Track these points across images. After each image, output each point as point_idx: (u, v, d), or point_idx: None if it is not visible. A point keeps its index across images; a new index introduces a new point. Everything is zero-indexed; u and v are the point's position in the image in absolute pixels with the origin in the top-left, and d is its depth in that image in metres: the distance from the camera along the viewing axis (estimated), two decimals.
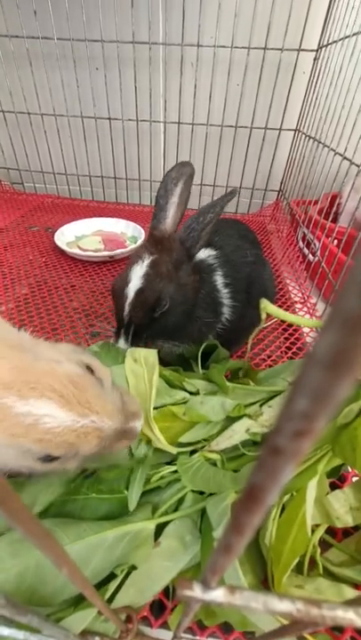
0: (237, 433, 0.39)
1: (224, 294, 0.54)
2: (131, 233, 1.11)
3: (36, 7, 1.09)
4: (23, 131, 1.32)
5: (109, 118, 1.25)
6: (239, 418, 0.40)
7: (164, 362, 0.57)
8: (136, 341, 0.47)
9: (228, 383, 0.43)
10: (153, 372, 0.40)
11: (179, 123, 1.24)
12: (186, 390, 0.44)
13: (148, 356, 0.42)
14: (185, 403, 0.42)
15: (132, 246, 0.99)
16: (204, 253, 0.55)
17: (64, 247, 0.97)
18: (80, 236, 1.09)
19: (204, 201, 1.38)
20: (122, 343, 0.47)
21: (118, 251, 0.96)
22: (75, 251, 0.97)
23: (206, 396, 0.42)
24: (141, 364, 0.41)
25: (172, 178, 0.50)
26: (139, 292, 0.45)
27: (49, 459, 0.30)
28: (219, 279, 0.54)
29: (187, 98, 1.20)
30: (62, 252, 1.00)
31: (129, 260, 0.49)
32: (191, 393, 0.44)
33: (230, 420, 0.41)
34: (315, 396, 0.06)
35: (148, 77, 1.16)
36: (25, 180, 1.45)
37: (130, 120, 1.26)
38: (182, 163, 0.51)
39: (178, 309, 0.47)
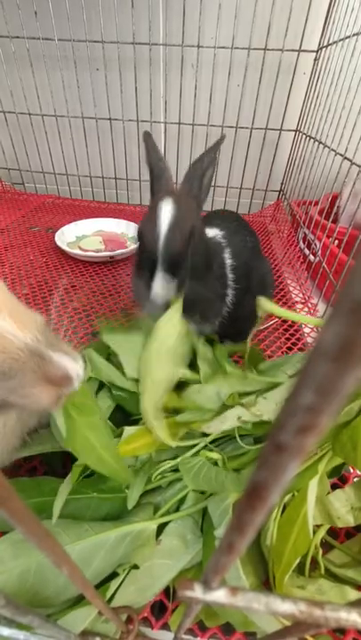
0: (229, 419, 0.39)
1: (230, 276, 0.54)
2: (131, 233, 1.11)
3: (36, 8, 1.09)
4: (24, 131, 1.33)
5: (110, 119, 1.25)
6: (233, 406, 0.41)
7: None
8: (176, 278, 0.43)
9: (229, 368, 0.43)
10: (184, 345, 0.39)
11: (179, 123, 1.24)
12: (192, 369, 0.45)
13: (178, 324, 0.40)
14: (185, 384, 0.43)
15: (133, 246, 0.99)
16: (212, 232, 0.56)
17: (65, 247, 0.97)
18: (81, 237, 1.09)
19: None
20: (158, 287, 0.43)
21: (119, 251, 0.96)
22: (76, 251, 0.97)
23: (203, 385, 0.42)
24: (168, 333, 0.40)
25: (153, 145, 0.52)
26: (173, 222, 0.42)
27: None
28: (228, 259, 0.54)
29: (187, 98, 1.20)
30: (63, 253, 1.00)
31: (148, 209, 0.47)
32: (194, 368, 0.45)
33: (225, 408, 0.41)
34: (320, 389, 0.06)
35: (149, 78, 1.16)
36: (26, 180, 1.46)
37: (130, 120, 1.26)
38: (146, 132, 0.54)
39: (202, 248, 0.46)
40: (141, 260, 0.46)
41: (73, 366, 0.28)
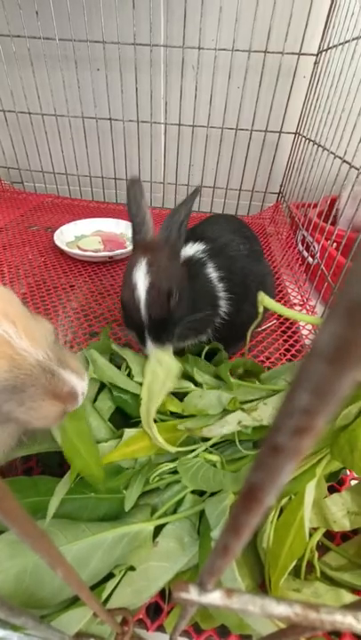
0: (230, 424, 0.40)
1: (219, 287, 0.54)
2: (130, 234, 1.11)
3: (37, 7, 1.09)
4: (24, 130, 1.32)
5: (110, 119, 1.26)
6: (234, 411, 0.41)
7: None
8: (163, 338, 0.45)
9: (233, 380, 0.44)
10: (170, 379, 0.41)
11: (179, 124, 1.24)
12: (192, 381, 0.45)
13: (172, 365, 0.42)
14: (187, 393, 0.44)
15: (132, 247, 0.99)
16: (192, 249, 0.56)
17: (63, 247, 0.96)
18: (80, 236, 1.09)
19: (204, 203, 1.38)
20: (150, 347, 0.45)
21: (118, 251, 0.96)
22: (74, 251, 0.97)
23: (205, 390, 0.43)
24: (163, 367, 0.42)
25: (136, 194, 0.51)
26: (150, 289, 0.44)
27: None
28: (212, 272, 0.54)
29: (187, 100, 1.21)
30: (62, 252, 0.99)
31: (125, 272, 0.49)
32: (196, 384, 0.45)
33: (226, 413, 0.41)
34: (316, 391, 0.06)
35: (149, 79, 1.17)
36: (25, 179, 1.45)
37: (130, 121, 1.26)
38: (133, 179, 0.53)
39: (185, 298, 0.47)
40: (128, 322, 0.48)
41: (80, 384, 0.30)
